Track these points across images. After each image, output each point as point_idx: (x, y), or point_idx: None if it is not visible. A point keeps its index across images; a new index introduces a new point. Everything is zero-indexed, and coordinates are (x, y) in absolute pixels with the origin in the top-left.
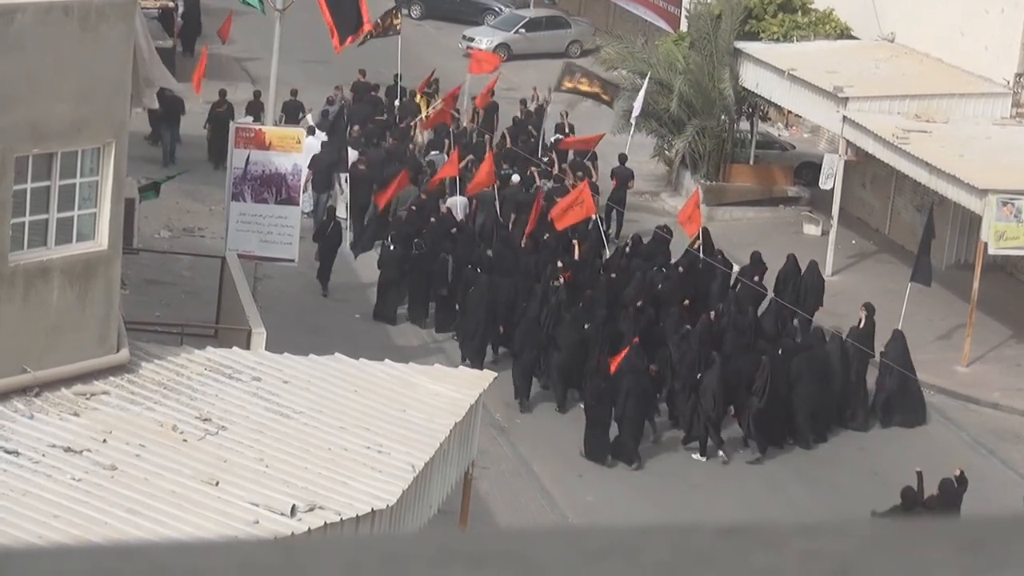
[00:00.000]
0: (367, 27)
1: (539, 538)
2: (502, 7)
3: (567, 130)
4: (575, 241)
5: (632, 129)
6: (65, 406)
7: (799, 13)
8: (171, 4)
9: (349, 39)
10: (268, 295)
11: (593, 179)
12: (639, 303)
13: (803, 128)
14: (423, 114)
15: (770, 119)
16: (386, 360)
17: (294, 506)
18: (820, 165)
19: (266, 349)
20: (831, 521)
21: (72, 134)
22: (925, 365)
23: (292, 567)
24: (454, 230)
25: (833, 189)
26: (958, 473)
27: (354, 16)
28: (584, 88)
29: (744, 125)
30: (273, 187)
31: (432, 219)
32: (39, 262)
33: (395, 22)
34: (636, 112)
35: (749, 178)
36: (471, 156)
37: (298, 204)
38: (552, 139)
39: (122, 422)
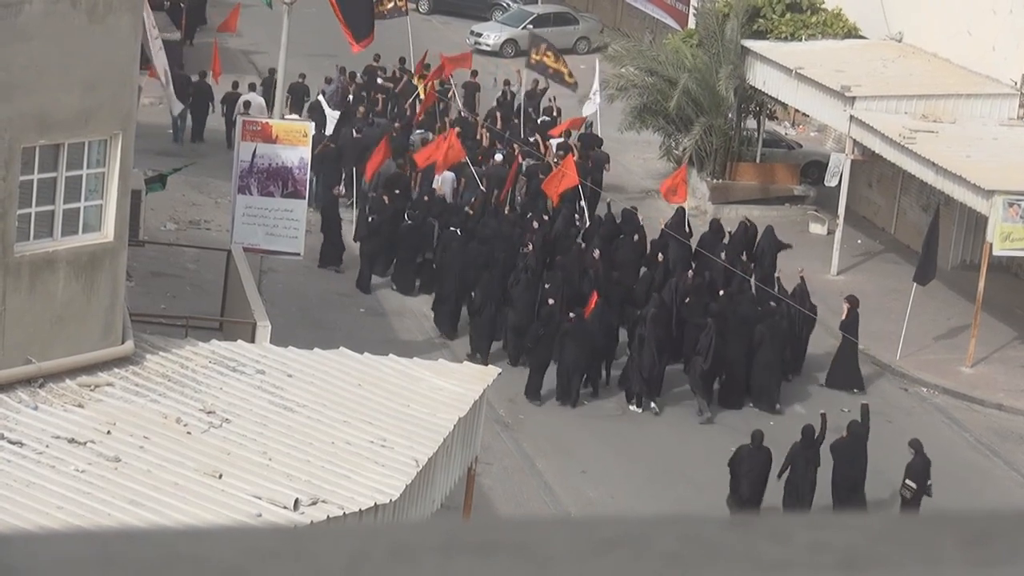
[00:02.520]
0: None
1: (547, 528)
2: (510, 2)
3: (555, 112)
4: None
5: (597, 110)
6: (69, 397)
7: (807, 13)
8: None
9: (365, 41)
10: (273, 289)
11: (575, 158)
12: (597, 268)
13: (810, 127)
14: (420, 95)
15: (777, 118)
16: (390, 355)
17: (297, 499)
18: (826, 164)
19: (270, 343)
20: (838, 514)
21: (79, 125)
22: (930, 365)
23: (299, 554)
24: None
25: (839, 188)
26: (865, 404)
27: (367, 16)
28: (550, 63)
29: (751, 123)
30: (279, 180)
31: (424, 196)
32: (45, 253)
33: (400, 4)
34: (595, 90)
35: (755, 176)
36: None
37: (304, 198)
38: (540, 120)
39: (126, 414)
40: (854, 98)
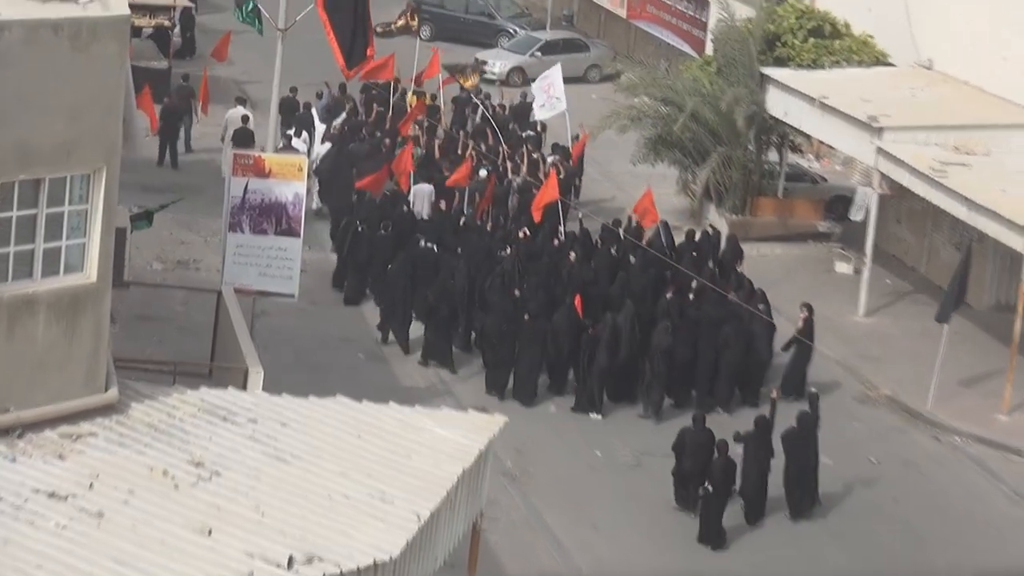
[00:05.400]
0: (372, 52)
1: None
2: (517, 28)
3: (539, 128)
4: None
5: (567, 115)
6: (49, 448)
7: (831, 38)
8: (167, 23)
9: (359, 67)
10: (266, 332)
11: (561, 175)
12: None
13: (835, 160)
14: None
15: (800, 150)
16: (391, 403)
17: (291, 557)
18: (852, 199)
19: (263, 390)
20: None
21: (61, 159)
22: (963, 413)
23: None
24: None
25: (866, 225)
26: (773, 395)
27: (361, 43)
28: (465, 81)
29: (772, 156)
30: (273, 217)
31: (404, 208)
32: (24, 295)
33: (411, 22)
34: (541, 100)
35: (777, 212)
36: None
37: (300, 235)
38: (525, 135)
39: (110, 466)
40: (882, 129)
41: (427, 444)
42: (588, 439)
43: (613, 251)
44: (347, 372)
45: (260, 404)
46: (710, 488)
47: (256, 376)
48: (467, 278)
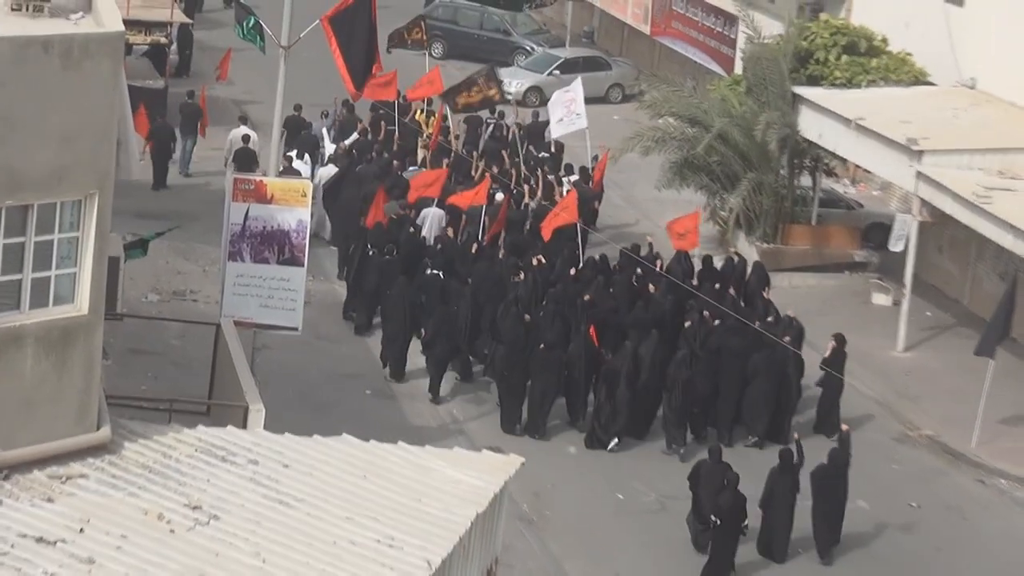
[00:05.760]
0: (379, 67)
1: None
2: (534, 46)
3: (553, 148)
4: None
5: (587, 132)
6: (38, 491)
7: (867, 56)
8: (163, 40)
9: (368, 89)
10: (268, 368)
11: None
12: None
13: (872, 185)
14: (426, 132)
15: (835, 174)
16: (399, 442)
17: None
18: (891, 227)
19: (264, 428)
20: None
21: (51, 184)
22: (1009, 454)
23: None
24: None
25: (905, 253)
26: (844, 429)
27: (368, 63)
28: (473, 98)
29: (805, 181)
30: (275, 245)
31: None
32: (11, 328)
33: (419, 36)
34: (557, 115)
35: (810, 240)
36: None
37: (303, 265)
38: (540, 156)
39: (102, 509)
40: (922, 152)
41: (438, 486)
42: (609, 481)
43: (632, 279)
44: (353, 410)
45: (261, 444)
46: (718, 521)
47: (257, 414)
48: (471, 307)
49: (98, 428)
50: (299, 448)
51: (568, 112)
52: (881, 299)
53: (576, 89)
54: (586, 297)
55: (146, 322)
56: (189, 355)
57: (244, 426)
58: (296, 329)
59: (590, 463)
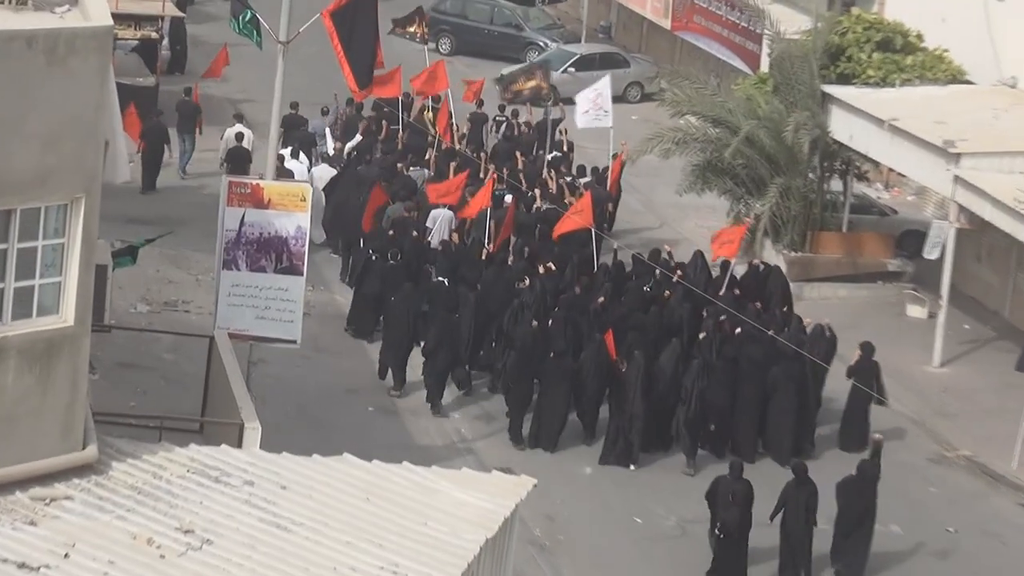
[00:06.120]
0: (381, 60)
1: None
2: (547, 41)
3: (565, 147)
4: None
5: (611, 132)
6: (20, 513)
7: (902, 53)
8: (154, 35)
9: (370, 88)
10: (264, 383)
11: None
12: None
13: (906, 190)
14: (431, 132)
15: (867, 178)
16: (404, 462)
17: None
18: (927, 234)
19: (261, 448)
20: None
21: (34, 187)
22: None
23: None
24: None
25: (942, 262)
26: (876, 438)
27: (371, 62)
28: (522, 86)
29: (836, 185)
30: (272, 253)
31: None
32: None
33: (413, 29)
34: (584, 106)
35: (841, 248)
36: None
37: (302, 273)
38: (550, 157)
39: (88, 533)
40: (959, 155)
41: (445, 509)
42: (627, 503)
43: (647, 287)
44: (355, 428)
45: (257, 464)
46: (720, 535)
47: (253, 432)
48: (476, 315)
49: (84, 447)
50: (297, 468)
51: (595, 106)
52: (916, 311)
53: (603, 87)
54: (600, 300)
55: (135, 334)
56: (181, 369)
57: (239, 445)
58: (294, 342)
59: (606, 484)
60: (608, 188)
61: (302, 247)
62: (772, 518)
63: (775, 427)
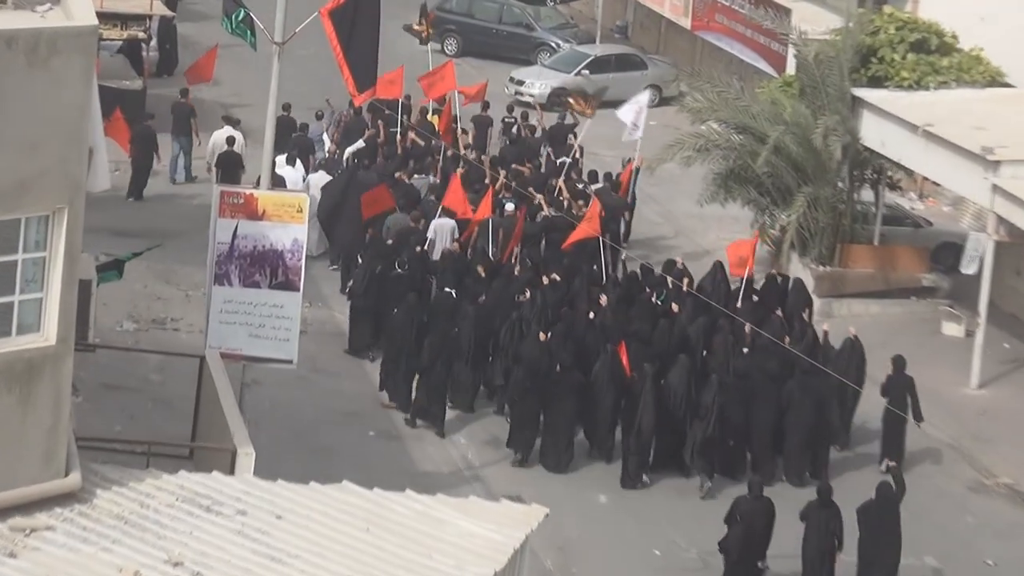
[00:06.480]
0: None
1: None
2: (560, 42)
3: (577, 153)
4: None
5: (639, 143)
6: None
7: (937, 54)
8: (141, 35)
9: (369, 92)
10: (258, 406)
11: (599, 210)
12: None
13: (942, 200)
14: (435, 135)
15: (900, 188)
16: (407, 490)
17: None
18: (963, 247)
19: (255, 475)
20: None
21: (14, 197)
22: None
23: None
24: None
25: (980, 277)
26: (891, 465)
27: (372, 64)
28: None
29: (867, 195)
30: (267, 267)
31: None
32: None
33: (417, 27)
34: (629, 119)
35: (873, 262)
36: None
37: (299, 289)
38: (559, 162)
39: (71, 566)
40: (998, 162)
41: (451, 540)
42: (644, 533)
43: (658, 299)
44: (355, 453)
45: (250, 492)
46: (722, 555)
47: (246, 458)
48: (478, 329)
49: (67, 474)
50: (293, 497)
51: (638, 120)
52: (952, 329)
53: (642, 100)
54: (598, 302)
55: (121, 354)
56: (170, 391)
57: (232, 472)
58: (291, 362)
59: (622, 512)
60: (619, 193)
61: (299, 261)
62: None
63: (789, 445)
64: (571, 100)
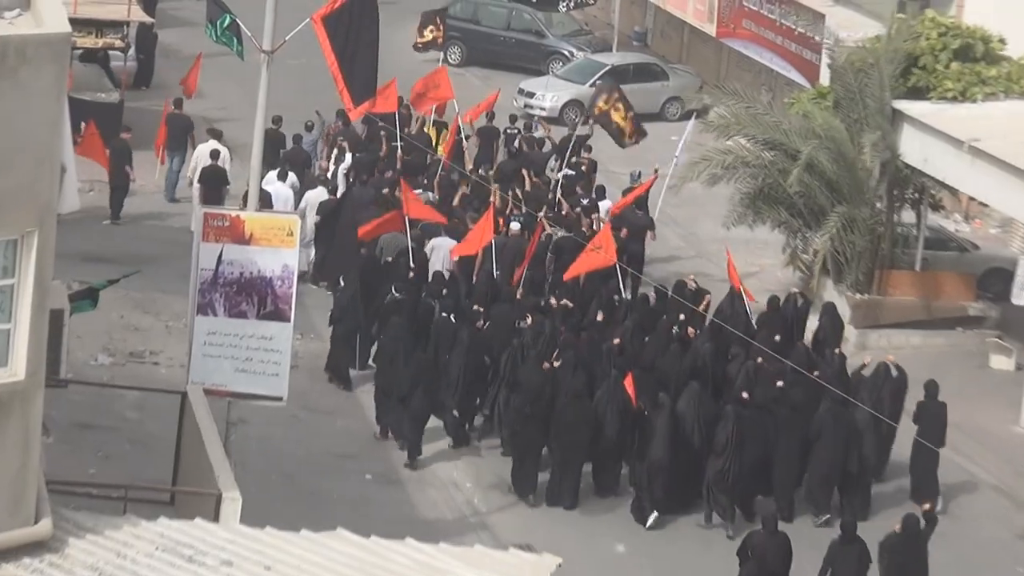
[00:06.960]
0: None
1: None
2: (573, 51)
3: (585, 167)
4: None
5: (673, 166)
6: None
7: (983, 63)
8: (119, 43)
9: (365, 105)
10: (246, 446)
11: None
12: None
13: (989, 222)
14: (439, 152)
15: (943, 208)
16: (407, 538)
17: None
18: (1013, 273)
19: (241, 522)
20: None
21: None
22: None
23: None
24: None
25: None
26: (927, 508)
27: (371, 76)
28: (617, 118)
29: (907, 216)
30: (255, 296)
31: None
32: None
33: (428, 35)
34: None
35: (915, 290)
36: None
37: (289, 319)
38: (560, 175)
39: None
40: None
41: None
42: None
43: (676, 327)
44: (350, 498)
45: (236, 541)
46: None
47: (232, 504)
48: (467, 355)
49: (36, 521)
50: (283, 546)
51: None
52: (1001, 362)
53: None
54: (615, 341)
55: (96, 391)
56: (149, 431)
57: (216, 519)
58: (280, 399)
59: (642, 562)
60: (617, 210)
61: (289, 289)
62: None
63: (812, 478)
64: (612, 124)
